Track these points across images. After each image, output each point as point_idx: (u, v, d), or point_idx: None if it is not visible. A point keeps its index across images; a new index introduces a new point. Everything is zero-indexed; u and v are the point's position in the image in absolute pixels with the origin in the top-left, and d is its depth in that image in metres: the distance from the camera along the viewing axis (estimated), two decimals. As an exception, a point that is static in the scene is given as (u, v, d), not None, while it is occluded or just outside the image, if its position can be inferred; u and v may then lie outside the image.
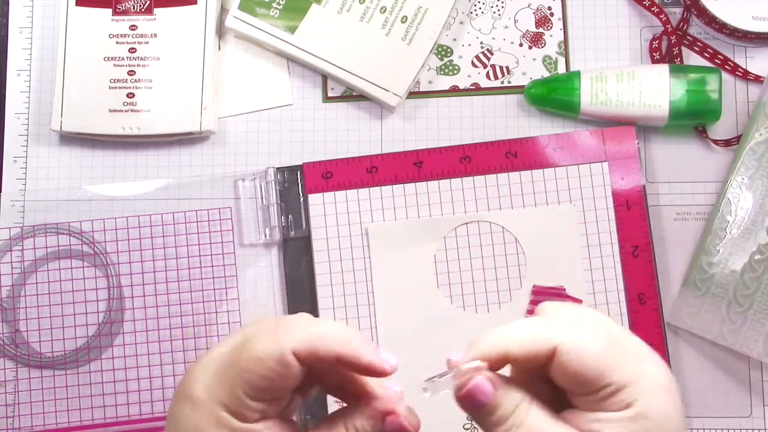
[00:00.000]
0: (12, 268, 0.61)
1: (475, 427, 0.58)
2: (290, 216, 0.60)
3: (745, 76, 0.61)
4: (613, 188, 0.59)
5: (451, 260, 0.59)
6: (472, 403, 0.38)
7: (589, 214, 0.59)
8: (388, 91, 0.61)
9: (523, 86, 0.62)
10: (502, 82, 0.63)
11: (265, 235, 0.61)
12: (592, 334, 0.37)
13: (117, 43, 0.61)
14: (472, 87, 0.63)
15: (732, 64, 0.62)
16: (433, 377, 0.39)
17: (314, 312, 0.59)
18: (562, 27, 0.63)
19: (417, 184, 0.60)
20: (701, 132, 0.61)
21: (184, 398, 0.38)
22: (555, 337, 0.36)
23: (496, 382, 0.37)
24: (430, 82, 0.63)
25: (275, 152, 0.63)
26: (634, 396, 0.36)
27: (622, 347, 0.37)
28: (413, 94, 0.63)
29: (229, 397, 0.37)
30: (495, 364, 0.38)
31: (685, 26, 0.62)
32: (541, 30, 0.63)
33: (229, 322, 0.60)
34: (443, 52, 0.63)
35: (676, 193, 0.61)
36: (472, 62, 0.63)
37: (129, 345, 0.60)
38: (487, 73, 0.63)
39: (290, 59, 0.63)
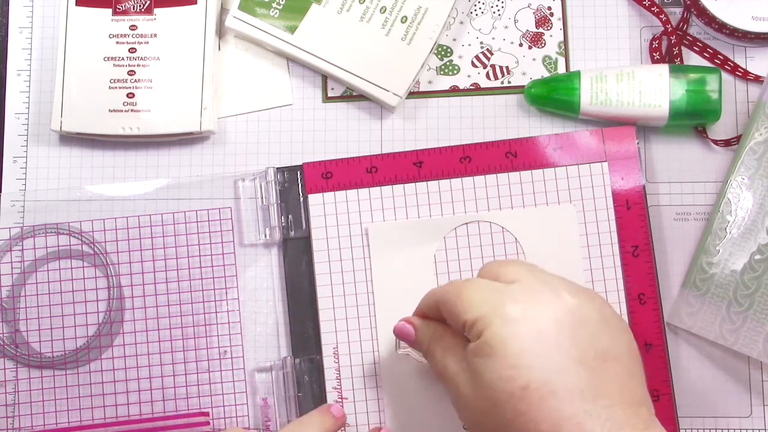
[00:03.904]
0: (12, 268, 0.61)
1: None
2: (290, 216, 0.60)
3: (745, 76, 0.61)
4: (613, 188, 0.59)
5: (451, 260, 0.59)
6: (401, 336, 0.52)
7: (589, 214, 0.59)
8: (388, 91, 0.61)
9: (523, 86, 0.62)
10: (502, 82, 0.63)
11: (265, 235, 0.61)
12: (469, 285, 0.47)
13: (117, 43, 0.62)
14: (472, 87, 0.63)
15: (732, 64, 0.62)
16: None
17: (314, 312, 0.59)
18: (562, 27, 0.63)
19: (417, 184, 0.60)
20: (701, 132, 0.61)
21: None
22: (435, 293, 0.50)
23: (416, 323, 0.52)
24: (430, 82, 0.63)
25: (275, 152, 0.63)
26: (482, 328, 0.45)
27: (504, 293, 0.45)
28: (413, 94, 0.63)
29: None
30: (426, 312, 0.51)
31: (685, 26, 0.62)
32: (541, 30, 0.63)
33: (229, 322, 0.60)
34: (443, 52, 0.63)
35: (676, 193, 0.61)
36: (472, 62, 0.63)
37: (129, 345, 0.60)
38: (487, 73, 0.63)
39: (290, 59, 0.63)
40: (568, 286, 0.47)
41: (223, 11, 0.63)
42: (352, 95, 0.63)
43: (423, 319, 0.52)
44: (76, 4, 0.62)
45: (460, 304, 0.46)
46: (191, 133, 0.61)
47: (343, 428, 0.58)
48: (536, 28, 0.63)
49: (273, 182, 0.60)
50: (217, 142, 0.63)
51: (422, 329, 0.51)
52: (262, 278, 0.61)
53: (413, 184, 0.60)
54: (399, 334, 0.53)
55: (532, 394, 0.42)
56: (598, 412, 0.42)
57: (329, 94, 0.63)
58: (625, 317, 0.58)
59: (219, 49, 0.64)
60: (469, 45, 0.63)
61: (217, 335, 0.60)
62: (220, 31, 0.64)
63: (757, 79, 0.61)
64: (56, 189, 0.62)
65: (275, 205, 0.60)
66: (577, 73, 0.60)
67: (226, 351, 0.60)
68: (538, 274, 0.47)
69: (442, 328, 0.50)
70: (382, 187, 0.60)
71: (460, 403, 0.47)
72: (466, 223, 0.59)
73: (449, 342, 0.49)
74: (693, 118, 0.59)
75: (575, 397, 0.42)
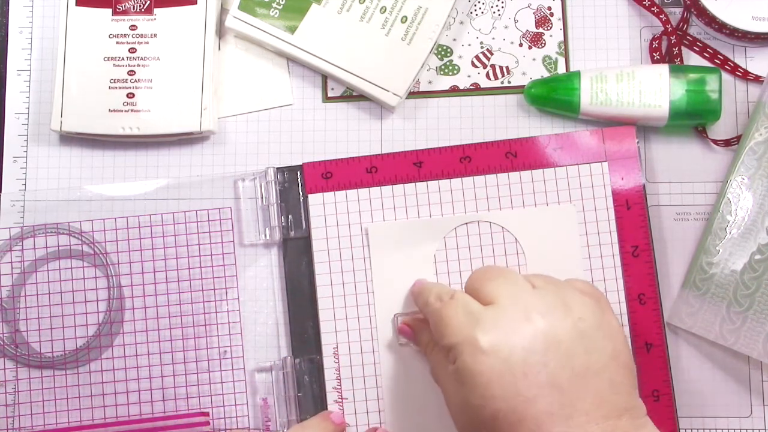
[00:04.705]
0: (12, 268, 0.61)
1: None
2: (290, 216, 0.60)
3: (745, 76, 0.61)
4: (613, 188, 0.59)
5: (451, 260, 0.59)
6: (403, 335, 0.56)
7: (589, 214, 0.59)
8: (388, 91, 0.61)
9: (523, 86, 0.62)
10: (502, 82, 0.63)
11: (265, 235, 0.61)
12: (449, 306, 0.48)
13: (117, 43, 0.62)
14: (472, 87, 0.63)
15: (732, 64, 0.62)
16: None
17: (314, 312, 0.59)
18: (562, 27, 0.63)
19: (417, 184, 0.60)
20: (701, 132, 0.61)
21: None
22: (424, 305, 0.53)
23: (414, 325, 0.55)
24: (430, 82, 0.63)
25: (275, 152, 0.63)
26: (455, 356, 0.46)
27: (479, 316, 0.47)
28: (413, 94, 0.63)
29: None
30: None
31: (685, 26, 0.62)
32: (541, 30, 0.63)
33: (229, 322, 0.60)
34: (443, 52, 0.63)
35: (676, 193, 0.61)
36: (472, 62, 0.63)
37: (129, 345, 0.60)
38: (487, 73, 0.63)
39: (290, 59, 0.63)
40: (544, 304, 0.47)
41: (223, 11, 0.63)
42: (352, 95, 0.63)
43: (420, 324, 0.56)
44: (76, 4, 0.62)
45: (440, 328, 0.48)
46: (191, 133, 0.61)
47: (343, 427, 0.58)
48: (536, 28, 0.63)
49: (273, 182, 0.60)
50: (217, 142, 0.63)
51: (418, 335, 0.55)
52: (262, 278, 0.61)
53: (413, 184, 0.60)
54: (399, 332, 0.57)
55: (501, 423, 0.44)
56: (571, 431, 0.43)
57: (329, 94, 0.63)
58: (625, 317, 0.58)
59: (219, 49, 0.64)
60: (469, 45, 0.63)
61: (217, 335, 0.60)
62: (220, 31, 0.64)
63: (757, 79, 0.61)
64: (56, 189, 0.62)
65: (275, 205, 0.60)
66: (577, 73, 0.60)
67: (226, 351, 0.60)
68: (514, 294, 0.47)
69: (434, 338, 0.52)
70: (382, 187, 0.60)
71: (450, 409, 0.49)
72: (466, 223, 0.59)
73: (438, 355, 0.51)
74: (693, 118, 0.59)
75: (545, 421, 0.43)
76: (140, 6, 0.62)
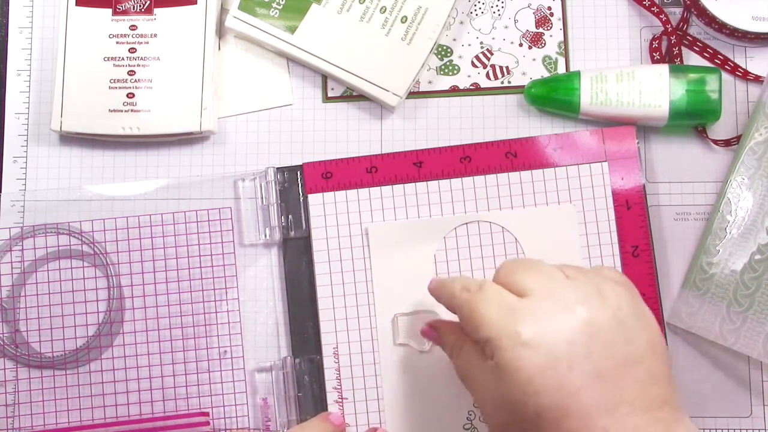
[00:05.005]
0: (12, 268, 0.61)
1: (474, 427, 0.58)
2: (290, 216, 0.60)
3: (745, 76, 0.61)
4: (613, 188, 0.59)
5: (451, 260, 0.59)
6: (427, 337, 0.54)
7: (589, 214, 0.59)
8: (388, 91, 0.61)
9: (523, 86, 0.62)
10: (502, 82, 0.63)
11: (265, 235, 0.61)
12: (484, 295, 0.46)
13: (117, 43, 0.62)
14: (472, 87, 0.63)
15: (732, 64, 0.62)
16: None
17: (314, 312, 0.59)
18: (562, 27, 0.63)
19: (417, 184, 0.60)
20: (701, 132, 0.61)
21: None
22: (451, 297, 0.49)
23: (439, 326, 0.52)
24: (430, 82, 0.63)
25: (275, 152, 0.63)
26: (493, 349, 0.44)
27: (516, 310, 0.44)
28: (413, 94, 0.63)
29: None
30: (442, 302, 0.51)
31: (685, 26, 0.62)
32: (541, 30, 0.63)
33: (229, 322, 0.60)
34: (443, 52, 0.63)
35: (676, 193, 0.61)
36: (472, 62, 0.63)
37: (129, 345, 0.60)
38: (487, 73, 0.63)
39: (290, 59, 0.63)
40: (581, 294, 0.45)
41: (223, 11, 0.63)
42: (352, 95, 0.63)
43: (446, 325, 0.52)
44: (76, 4, 0.62)
45: (473, 321, 0.45)
46: (191, 133, 0.61)
47: (343, 428, 0.58)
48: (536, 28, 0.63)
49: (273, 182, 0.60)
50: (217, 142, 0.63)
51: (445, 335, 0.51)
52: (262, 278, 0.61)
53: (413, 184, 0.60)
54: (423, 334, 0.54)
55: (544, 419, 0.42)
56: (615, 424, 0.41)
57: (329, 94, 0.63)
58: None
59: (219, 49, 0.64)
60: (469, 45, 0.63)
61: (217, 335, 0.60)
62: (220, 31, 0.64)
63: (757, 79, 0.61)
64: (56, 189, 0.62)
65: (275, 205, 0.60)
66: (577, 73, 0.60)
67: (226, 351, 0.60)
68: (550, 285, 0.45)
69: (463, 335, 0.49)
70: (382, 187, 0.60)
71: (484, 408, 0.46)
72: (466, 223, 0.59)
73: (470, 351, 0.47)
74: (693, 118, 0.59)
75: (591, 415, 0.41)
76: (140, 6, 0.62)
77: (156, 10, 0.62)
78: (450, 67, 0.63)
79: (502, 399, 0.44)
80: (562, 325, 0.43)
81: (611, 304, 0.45)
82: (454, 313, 0.48)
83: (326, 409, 0.58)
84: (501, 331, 0.44)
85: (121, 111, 0.61)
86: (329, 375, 0.58)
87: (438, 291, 0.51)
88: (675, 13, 0.63)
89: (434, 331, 0.53)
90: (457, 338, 0.50)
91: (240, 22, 0.62)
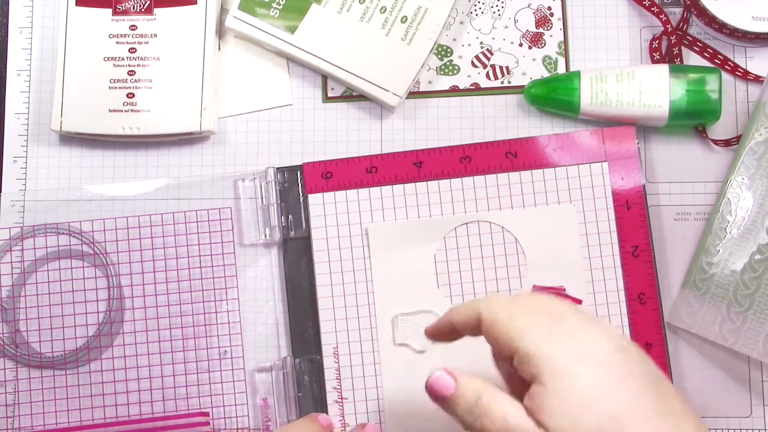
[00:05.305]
0: (12, 268, 0.61)
1: None
2: (290, 216, 0.60)
3: (745, 76, 0.61)
4: (613, 188, 0.59)
5: (451, 260, 0.59)
6: (437, 394, 0.43)
7: (589, 214, 0.59)
8: (388, 91, 0.61)
9: (523, 86, 0.62)
10: (502, 82, 0.63)
11: (265, 235, 0.61)
12: (519, 308, 0.42)
13: (117, 43, 0.62)
14: (472, 87, 0.63)
15: (732, 64, 0.62)
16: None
17: (314, 312, 0.59)
18: (562, 27, 0.63)
19: (417, 184, 0.60)
20: (701, 132, 0.61)
21: None
22: (479, 307, 0.43)
23: (457, 375, 0.43)
24: (430, 82, 0.63)
25: (275, 152, 0.63)
26: (538, 365, 0.40)
27: (556, 325, 0.41)
28: (413, 94, 0.63)
29: None
30: (448, 333, 0.45)
31: (685, 26, 0.62)
32: (541, 30, 0.63)
33: (229, 322, 0.60)
34: (443, 52, 0.63)
35: (676, 193, 0.61)
36: (472, 62, 0.63)
37: (129, 345, 0.60)
38: (487, 73, 0.63)
39: (290, 59, 0.63)
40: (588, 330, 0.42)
41: (223, 11, 0.63)
42: (352, 95, 0.63)
43: (467, 375, 0.43)
44: (76, 4, 0.62)
45: (512, 329, 0.41)
46: (191, 133, 0.61)
47: (343, 428, 0.58)
48: (536, 28, 0.63)
49: (273, 182, 0.60)
50: (217, 142, 0.63)
51: (467, 384, 0.43)
52: (262, 278, 0.61)
53: (413, 184, 0.60)
54: (433, 389, 0.44)
55: (617, 424, 0.39)
56: (675, 428, 0.40)
57: (329, 94, 0.63)
58: (625, 317, 0.58)
59: (219, 49, 0.64)
60: (469, 45, 0.63)
61: (217, 335, 0.60)
62: (220, 31, 0.64)
63: (757, 79, 0.61)
64: (56, 189, 0.62)
65: (275, 205, 0.60)
66: (577, 73, 0.60)
67: (226, 351, 0.60)
68: (579, 309, 0.44)
69: (489, 381, 0.43)
70: (382, 187, 0.60)
71: None
72: (466, 223, 0.59)
73: (505, 396, 0.42)
74: (693, 118, 0.59)
75: (652, 418, 0.40)
76: (140, 6, 0.62)
77: (156, 10, 0.62)
78: (450, 67, 0.63)
79: (562, 427, 0.40)
80: (605, 338, 0.42)
81: (610, 331, 0.43)
82: (474, 327, 0.44)
83: (326, 409, 0.58)
84: (546, 341, 0.40)
85: (121, 111, 0.61)
86: (329, 375, 0.58)
87: (460, 314, 0.45)
88: (675, 13, 0.63)
89: (451, 378, 0.43)
90: (483, 385, 0.42)
91: (240, 22, 0.62)
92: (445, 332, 0.47)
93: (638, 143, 0.60)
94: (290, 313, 0.60)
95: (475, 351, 0.59)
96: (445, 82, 0.63)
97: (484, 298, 0.44)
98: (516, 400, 0.41)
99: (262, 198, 0.61)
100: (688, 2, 0.62)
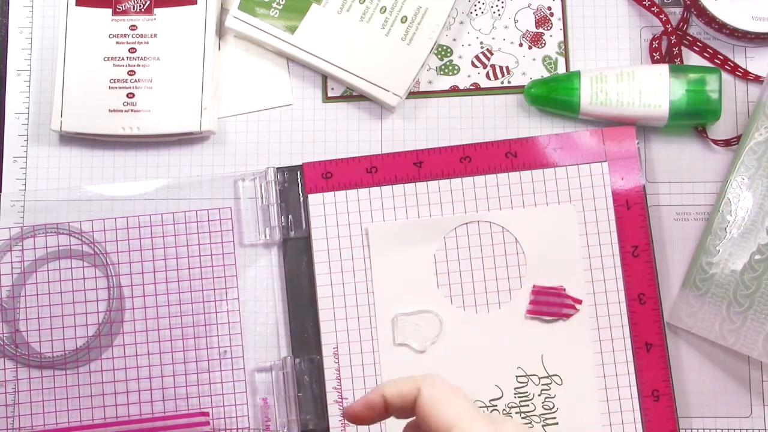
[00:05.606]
0: (12, 268, 0.61)
1: None
2: (290, 216, 0.60)
3: (745, 76, 0.61)
4: (613, 188, 0.59)
5: (451, 260, 0.59)
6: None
7: (589, 214, 0.59)
8: (388, 91, 0.61)
9: (523, 86, 0.62)
10: (502, 82, 0.63)
11: (265, 235, 0.61)
12: (461, 395, 0.41)
13: (117, 43, 0.62)
14: (472, 87, 0.63)
15: (732, 64, 0.62)
16: None
17: (314, 312, 0.59)
18: (562, 27, 0.63)
19: (417, 184, 0.60)
20: (701, 132, 0.61)
21: None
22: (420, 383, 0.41)
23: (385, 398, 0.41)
24: (430, 82, 0.63)
25: (275, 152, 0.63)
26: None
27: (494, 424, 0.40)
28: (413, 94, 0.63)
29: None
30: (377, 407, 0.42)
31: (685, 26, 0.62)
32: (541, 30, 0.63)
33: (229, 322, 0.60)
34: (443, 52, 0.63)
35: (676, 193, 0.61)
36: (472, 62, 0.63)
37: (129, 345, 0.60)
38: (487, 73, 0.63)
39: (290, 59, 0.63)
40: None
41: (223, 11, 0.63)
42: (352, 95, 0.63)
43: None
44: (76, 4, 0.62)
45: (456, 410, 0.40)
46: (191, 133, 0.61)
47: (343, 427, 0.58)
48: (536, 28, 0.63)
49: (273, 182, 0.60)
50: (217, 142, 0.63)
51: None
52: (262, 278, 0.61)
53: (413, 184, 0.60)
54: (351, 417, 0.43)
55: None
56: None
57: (329, 94, 0.63)
58: (625, 317, 0.58)
59: (219, 49, 0.64)
60: (469, 45, 0.63)
61: (217, 335, 0.60)
62: (220, 31, 0.64)
63: (757, 79, 0.61)
64: (56, 189, 0.62)
65: (275, 205, 0.60)
66: (577, 73, 0.60)
67: (226, 351, 0.60)
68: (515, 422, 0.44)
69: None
70: (382, 187, 0.60)
71: None
72: (466, 223, 0.59)
73: None
74: (693, 118, 0.59)
75: None
76: (140, 6, 0.62)
77: (156, 10, 0.62)
78: (450, 67, 0.63)
79: None
80: None
81: None
82: (409, 405, 0.42)
83: (326, 409, 0.58)
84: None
85: (121, 111, 0.61)
86: (329, 375, 0.58)
87: (398, 388, 0.42)
88: (675, 13, 0.63)
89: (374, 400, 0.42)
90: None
91: (240, 22, 0.62)
92: (371, 407, 0.43)
93: (638, 143, 0.60)
94: (290, 313, 0.60)
95: (475, 351, 0.59)
96: (445, 82, 0.63)
97: (423, 376, 0.42)
98: None
99: (262, 198, 0.61)
100: (688, 2, 0.62)
